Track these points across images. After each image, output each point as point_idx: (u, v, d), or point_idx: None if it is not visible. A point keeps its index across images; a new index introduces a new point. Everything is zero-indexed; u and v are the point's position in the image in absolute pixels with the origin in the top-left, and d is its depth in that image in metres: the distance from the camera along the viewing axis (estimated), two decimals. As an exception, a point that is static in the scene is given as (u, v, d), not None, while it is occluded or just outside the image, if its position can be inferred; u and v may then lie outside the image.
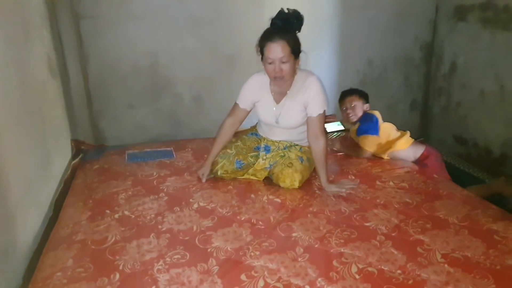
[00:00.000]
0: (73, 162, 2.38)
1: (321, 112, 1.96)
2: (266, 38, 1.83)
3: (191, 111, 3.00)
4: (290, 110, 2.00)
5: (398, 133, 2.37)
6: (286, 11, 1.85)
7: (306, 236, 1.56)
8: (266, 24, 3.19)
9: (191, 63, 2.90)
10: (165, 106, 2.95)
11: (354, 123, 2.42)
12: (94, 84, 2.79)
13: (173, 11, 2.77)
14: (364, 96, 2.43)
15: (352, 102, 2.38)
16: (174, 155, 2.48)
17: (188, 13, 2.80)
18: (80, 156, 2.49)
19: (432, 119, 3.36)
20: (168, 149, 2.58)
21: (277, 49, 1.80)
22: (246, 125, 2.39)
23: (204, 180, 2.08)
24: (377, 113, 2.39)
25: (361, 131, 2.37)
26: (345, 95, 2.44)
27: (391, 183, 2.03)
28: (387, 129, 2.36)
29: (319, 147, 1.96)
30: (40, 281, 1.33)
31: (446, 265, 1.36)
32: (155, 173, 2.20)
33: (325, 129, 2.04)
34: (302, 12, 2.96)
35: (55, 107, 2.21)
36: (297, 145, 2.11)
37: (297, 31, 1.89)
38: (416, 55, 3.30)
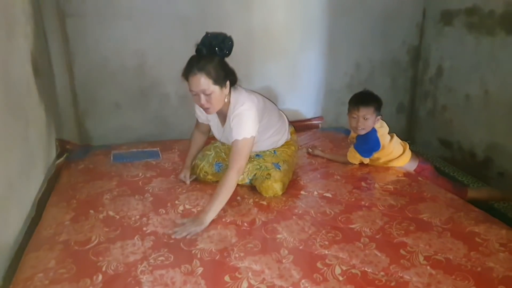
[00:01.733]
0: (58, 161, 2.35)
1: (239, 138, 1.78)
2: (187, 69, 1.74)
3: (178, 112, 2.98)
4: (231, 134, 1.85)
5: (400, 151, 2.25)
6: (209, 35, 1.75)
7: (291, 238, 1.56)
8: (254, 26, 3.20)
9: (179, 63, 2.82)
10: (152, 106, 2.93)
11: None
12: (80, 83, 2.75)
13: (160, 11, 2.75)
14: (379, 108, 2.20)
15: (366, 115, 2.15)
16: (161, 156, 2.47)
17: (176, 13, 2.78)
18: (64, 156, 2.45)
19: (418, 122, 3.40)
20: (155, 149, 2.57)
21: (198, 83, 1.70)
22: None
23: (188, 183, 2.08)
24: (384, 128, 2.24)
25: (357, 147, 2.25)
26: (360, 104, 2.16)
27: (376, 185, 2.04)
28: (390, 148, 2.23)
29: (225, 175, 1.74)
30: (21, 282, 1.30)
31: (428, 267, 1.37)
32: (140, 174, 2.19)
33: (243, 159, 1.79)
34: (290, 13, 3.01)
35: (39, 106, 2.18)
36: (267, 149, 2.09)
37: (225, 56, 1.80)
38: (403, 59, 3.33)
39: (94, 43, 2.70)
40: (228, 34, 1.81)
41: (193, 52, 2.90)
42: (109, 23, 2.69)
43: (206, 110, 1.81)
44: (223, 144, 2.16)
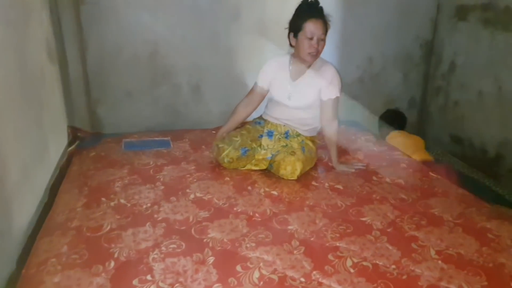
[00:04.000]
0: (69, 148, 2.37)
1: (335, 96, 2.06)
2: (309, 13, 1.91)
3: (189, 102, 2.98)
4: (304, 89, 2.07)
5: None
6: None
7: (302, 229, 1.56)
8: (267, 18, 3.17)
9: (191, 53, 2.88)
10: (164, 95, 2.93)
11: None
12: (92, 71, 2.76)
13: (174, 0, 2.75)
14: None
15: None
16: (171, 145, 2.47)
17: (190, 3, 2.77)
18: (76, 143, 2.47)
19: (429, 117, 3.37)
20: (166, 138, 2.57)
21: (320, 26, 1.90)
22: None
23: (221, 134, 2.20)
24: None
25: None
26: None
27: (387, 179, 2.04)
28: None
29: (331, 130, 2.11)
30: (34, 267, 1.32)
31: (439, 262, 1.37)
32: (151, 162, 2.20)
33: (337, 113, 2.14)
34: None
35: (52, 93, 2.19)
36: (299, 135, 2.14)
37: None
38: (416, 54, 3.29)
39: (107, 31, 2.70)
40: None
41: (204, 42, 2.90)
42: (122, 11, 2.69)
43: (312, 54, 1.96)
44: (255, 126, 2.21)
